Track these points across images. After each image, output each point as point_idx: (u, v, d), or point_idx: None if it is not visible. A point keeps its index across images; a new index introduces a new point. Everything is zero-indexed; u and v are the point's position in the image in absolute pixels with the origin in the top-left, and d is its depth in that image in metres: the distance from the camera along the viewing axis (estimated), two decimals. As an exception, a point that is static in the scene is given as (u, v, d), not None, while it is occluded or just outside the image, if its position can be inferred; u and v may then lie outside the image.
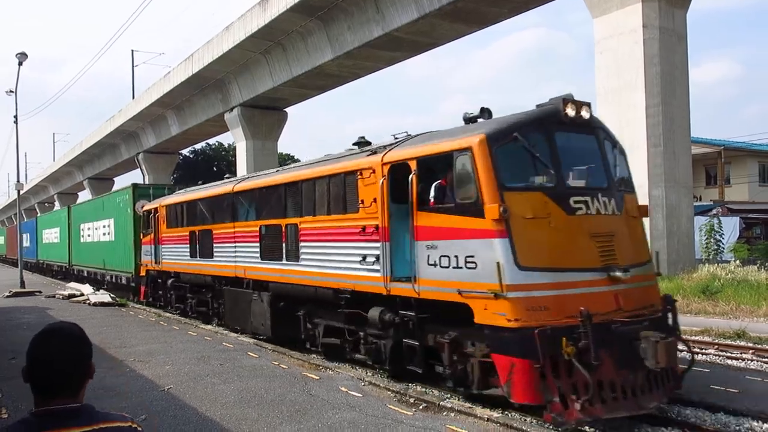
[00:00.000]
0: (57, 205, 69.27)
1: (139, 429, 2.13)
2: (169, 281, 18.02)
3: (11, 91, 34.06)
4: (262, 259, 12.33)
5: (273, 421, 7.26)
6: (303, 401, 8.12)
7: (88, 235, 28.53)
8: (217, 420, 7.38)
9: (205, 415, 7.60)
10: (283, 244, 11.67)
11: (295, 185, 11.40)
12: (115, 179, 59.05)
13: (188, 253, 15.99)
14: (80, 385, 2.08)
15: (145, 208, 19.70)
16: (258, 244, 12.54)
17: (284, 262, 11.56)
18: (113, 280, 24.62)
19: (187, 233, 16.10)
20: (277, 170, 13.40)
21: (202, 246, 15.26)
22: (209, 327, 15.37)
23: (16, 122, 33.44)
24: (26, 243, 45.96)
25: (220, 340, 13.36)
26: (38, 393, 2.03)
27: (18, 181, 34.09)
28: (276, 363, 10.68)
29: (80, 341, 2.11)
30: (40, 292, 26.69)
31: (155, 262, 18.51)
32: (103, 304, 20.88)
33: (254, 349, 12.19)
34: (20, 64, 30.63)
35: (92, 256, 27.74)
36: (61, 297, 23.91)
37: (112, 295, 22.54)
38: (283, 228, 11.65)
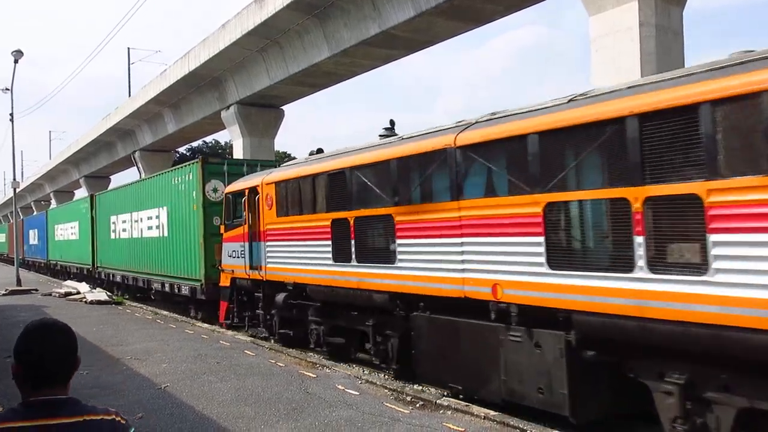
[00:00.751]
0: (53, 203, 69.06)
1: (123, 422, 2.16)
2: (280, 297, 11.88)
3: (7, 89, 33.98)
4: (551, 269, 6.58)
5: (270, 419, 7.27)
6: (300, 399, 8.13)
7: (123, 230, 22.52)
8: (214, 418, 7.39)
9: (201, 413, 7.60)
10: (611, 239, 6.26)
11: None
12: (111, 177, 58.94)
13: (328, 254, 10.30)
14: (67, 377, 2.14)
15: (231, 190, 13.76)
16: (540, 240, 6.70)
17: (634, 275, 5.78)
18: (167, 289, 18.35)
19: (328, 223, 10.29)
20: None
21: (364, 243, 9.67)
22: (206, 325, 15.36)
23: (11, 120, 33.36)
24: (33, 240, 41.11)
25: (216, 338, 13.36)
26: (27, 385, 2.09)
27: (14, 179, 34.03)
28: (273, 361, 10.68)
29: (67, 335, 2.19)
30: (36, 290, 26.65)
31: (252, 268, 12.61)
32: (99, 302, 20.86)
33: (251, 347, 12.18)
34: (16, 61, 30.58)
35: (131, 258, 21.68)
36: (57, 295, 23.88)
37: (108, 293, 22.50)
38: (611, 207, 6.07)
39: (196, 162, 16.27)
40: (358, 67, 25.97)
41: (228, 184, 14.67)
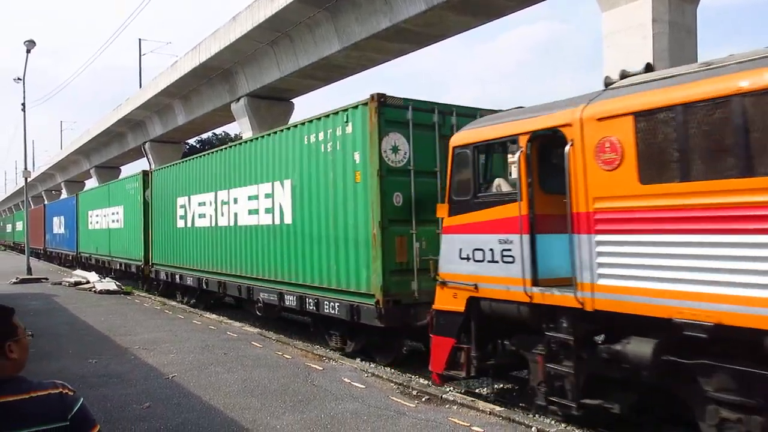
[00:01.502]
0: (64, 193, 69.30)
1: (71, 394, 2.23)
2: (644, 348, 5.74)
3: (19, 79, 34.14)
4: None
5: (276, 411, 7.30)
6: (306, 391, 8.16)
7: (200, 216, 16.81)
8: (221, 408, 7.43)
9: (208, 404, 7.65)
10: None
11: None
12: (121, 168, 59.16)
13: None
14: None
15: (473, 140, 7.68)
16: None
17: None
18: (293, 305, 12.23)
19: None
20: None
21: None
22: (213, 316, 15.43)
23: (23, 110, 33.54)
24: (58, 229, 36.21)
25: (224, 329, 13.41)
26: None
27: (25, 168, 34.21)
28: (280, 353, 10.72)
29: None
30: (46, 278, 26.83)
31: (535, 283, 6.69)
32: (108, 292, 20.98)
33: (258, 339, 12.23)
34: (28, 51, 30.71)
35: (215, 254, 15.85)
36: (67, 284, 24.03)
37: (117, 282, 22.61)
38: None
39: (364, 103, 10.08)
40: (368, 61, 25.91)
41: (412, 139, 10.07)
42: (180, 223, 18.34)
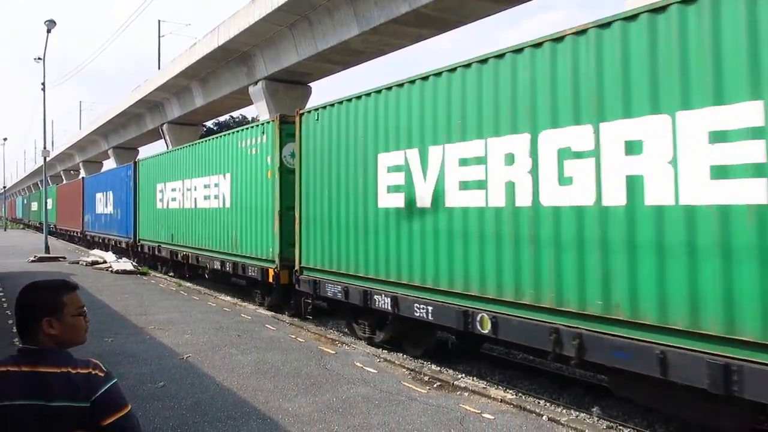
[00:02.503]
0: (82, 173, 69.82)
1: (100, 375, 2.26)
2: None
3: (39, 59, 34.38)
4: None
5: (288, 393, 7.36)
6: (318, 375, 8.21)
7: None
8: (234, 390, 7.50)
9: (222, 385, 7.72)
10: None
11: None
12: (139, 149, 59.50)
13: None
14: (32, 331, 2.28)
15: None
16: None
17: None
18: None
19: None
20: None
21: None
22: (228, 298, 15.54)
23: (43, 89, 33.79)
24: (104, 208, 29.28)
25: (238, 311, 13.51)
26: (19, 335, 2.33)
27: (44, 147, 34.52)
28: (293, 336, 10.79)
29: (34, 294, 2.33)
30: (64, 257, 27.15)
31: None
32: (125, 272, 21.19)
33: (272, 321, 12.31)
34: (49, 31, 30.87)
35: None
36: (84, 263, 24.31)
37: (134, 263, 22.83)
38: None
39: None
40: (386, 46, 25.78)
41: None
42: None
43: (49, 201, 42.22)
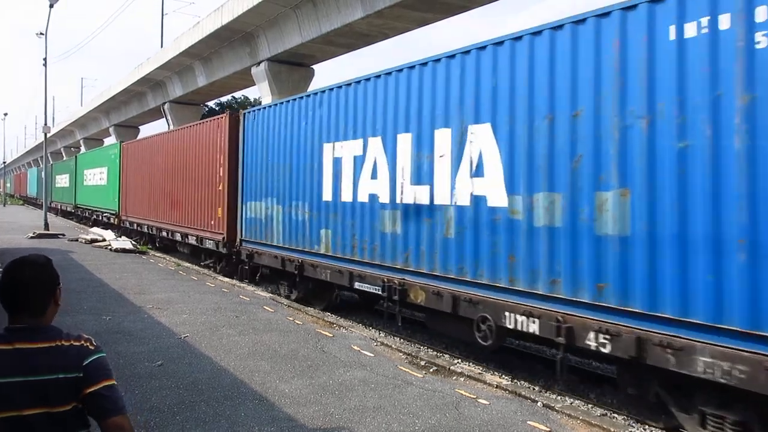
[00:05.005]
0: (83, 149, 69.58)
1: (91, 347, 2.33)
2: None
3: (41, 34, 34.18)
4: None
5: (285, 375, 7.39)
6: (315, 357, 8.25)
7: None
8: (231, 370, 7.53)
9: (219, 365, 7.76)
10: None
11: None
12: (140, 128, 59.34)
13: None
14: (40, 307, 2.32)
15: None
16: None
17: None
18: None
19: None
20: None
21: None
22: (227, 279, 15.58)
23: (45, 65, 33.64)
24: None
25: (237, 292, 13.54)
26: (8, 312, 2.32)
27: (45, 123, 34.41)
28: (291, 318, 10.82)
29: (40, 269, 2.36)
30: (63, 234, 27.14)
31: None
32: (124, 251, 21.20)
33: (270, 303, 12.34)
34: (51, 6, 30.67)
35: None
36: (83, 241, 24.30)
37: (133, 241, 22.84)
38: None
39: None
40: (390, 30, 25.62)
41: None
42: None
43: (101, 172, 28.89)
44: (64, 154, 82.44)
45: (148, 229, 22.94)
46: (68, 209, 40.52)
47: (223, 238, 15.73)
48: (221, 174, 15.94)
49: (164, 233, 21.06)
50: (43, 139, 35.98)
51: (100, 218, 30.36)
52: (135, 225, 24.70)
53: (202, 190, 17.34)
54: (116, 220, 26.86)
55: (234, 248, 15.33)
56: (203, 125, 17.87)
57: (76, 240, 24.84)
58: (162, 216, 21.19)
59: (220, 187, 15.98)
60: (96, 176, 31.54)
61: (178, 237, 19.57)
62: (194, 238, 17.92)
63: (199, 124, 18.43)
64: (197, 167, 17.79)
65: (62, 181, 43.48)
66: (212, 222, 16.63)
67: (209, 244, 16.89)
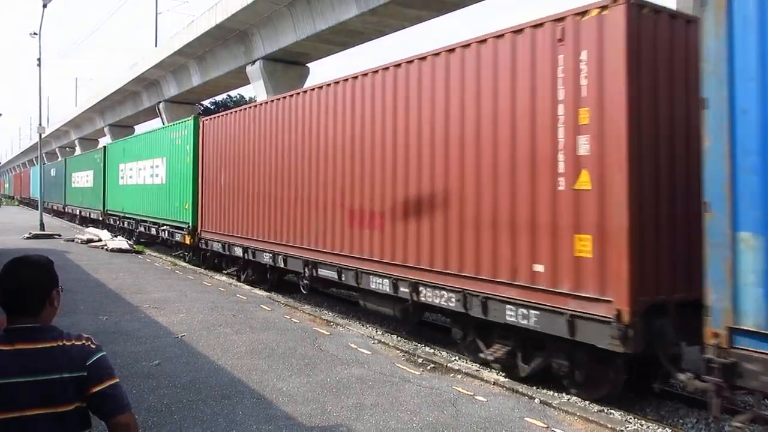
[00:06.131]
0: (78, 150, 69.35)
1: (93, 346, 2.33)
2: None
3: (35, 34, 34.04)
4: None
5: (282, 373, 7.39)
6: (313, 355, 8.25)
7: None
8: (228, 369, 7.53)
9: (216, 364, 7.75)
10: None
11: None
12: (135, 127, 59.16)
13: None
14: (37, 307, 2.32)
15: None
16: None
17: None
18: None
19: None
20: None
21: None
22: (224, 278, 15.57)
23: (39, 65, 33.51)
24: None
25: (233, 291, 13.53)
26: (6, 313, 2.32)
27: (40, 124, 34.29)
28: (288, 317, 10.82)
29: (37, 270, 2.36)
30: (59, 235, 27.08)
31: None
32: (120, 251, 21.16)
33: (267, 302, 12.34)
34: (44, 6, 30.56)
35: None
36: (79, 241, 24.25)
37: (129, 242, 22.79)
38: None
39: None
40: (385, 27, 25.60)
41: None
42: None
43: (155, 165, 21.72)
44: (59, 154, 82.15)
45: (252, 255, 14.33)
46: (92, 216, 31.49)
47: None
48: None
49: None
50: (38, 139, 35.85)
51: (157, 233, 20.96)
52: (233, 249, 15.31)
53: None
54: (189, 239, 17.86)
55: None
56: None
57: (72, 240, 24.78)
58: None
59: None
60: (142, 172, 22.62)
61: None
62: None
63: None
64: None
65: (81, 179, 34.32)
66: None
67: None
